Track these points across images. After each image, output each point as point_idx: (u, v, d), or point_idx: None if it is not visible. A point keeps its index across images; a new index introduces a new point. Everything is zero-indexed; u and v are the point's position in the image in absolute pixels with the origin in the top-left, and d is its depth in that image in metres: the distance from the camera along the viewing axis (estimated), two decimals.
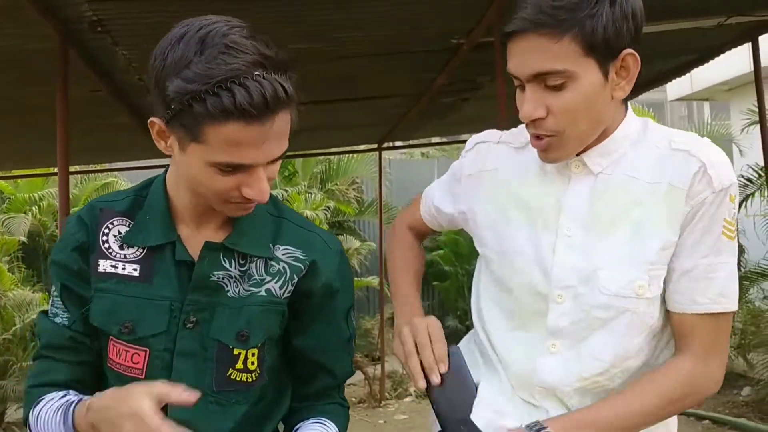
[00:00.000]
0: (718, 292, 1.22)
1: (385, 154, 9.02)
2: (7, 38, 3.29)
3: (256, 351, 1.20)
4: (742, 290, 6.83)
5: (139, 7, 3.03)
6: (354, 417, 6.50)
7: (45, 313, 1.25)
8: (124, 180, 9.90)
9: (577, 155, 1.27)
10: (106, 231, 1.21)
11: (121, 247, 1.20)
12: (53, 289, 1.24)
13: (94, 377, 1.24)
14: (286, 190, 10.20)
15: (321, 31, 3.58)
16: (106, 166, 9.80)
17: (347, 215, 10.04)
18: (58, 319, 1.21)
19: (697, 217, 1.21)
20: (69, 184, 4.17)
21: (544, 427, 1.17)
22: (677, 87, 10.77)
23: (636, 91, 6.26)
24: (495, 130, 1.43)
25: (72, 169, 8.08)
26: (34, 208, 9.00)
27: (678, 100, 11.99)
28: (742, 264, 6.98)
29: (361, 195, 10.83)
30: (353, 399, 7.19)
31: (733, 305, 1.24)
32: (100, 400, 1.10)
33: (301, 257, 1.23)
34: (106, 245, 1.20)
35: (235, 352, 1.18)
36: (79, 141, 4.75)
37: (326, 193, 10.35)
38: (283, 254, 1.22)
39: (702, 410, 5.98)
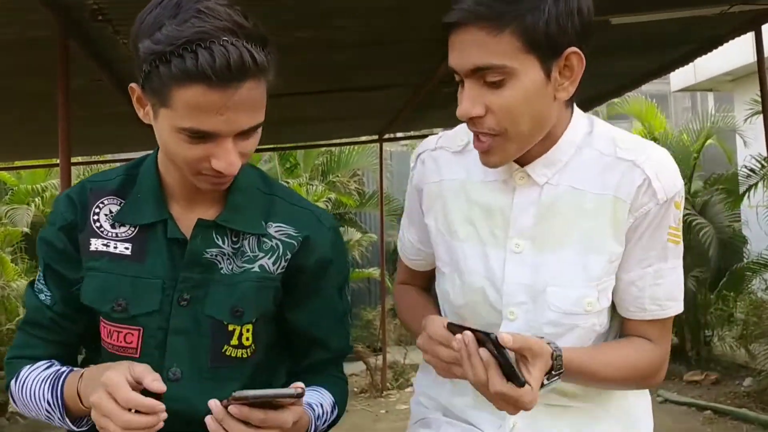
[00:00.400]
0: (665, 297, 1.24)
1: (386, 146, 9.01)
2: (5, 27, 3.28)
3: (250, 327, 1.20)
4: (745, 281, 6.83)
5: None
6: (356, 407, 6.51)
7: (32, 285, 1.26)
8: None
9: (522, 166, 1.24)
10: (97, 210, 1.21)
11: (112, 226, 1.20)
12: (40, 264, 1.25)
13: (72, 356, 1.26)
14: (288, 182, 10.19)
15: (319, 19, 3.56)
16: (108, 157, 9.81)
17: (348, 207, 10.04)
18: (42, 296, 1.22)
19: (641, 229, 1.20)
20: (71, 175, 4.18)
21: (558, 349, 1.13)
22: (680, 78, 10.73)
23: (638, 81, 6.28)
24: (432, 137, 1.38)
25: (74, 160, 8.09)
26: (36, 199, 9.01)
27: (681, 90, 11.94)
28: (744, 255, 6.97)
29: (362, 187, 10.83)
30: (355, 389, 7.21)
31: (680, 307, 1.26)
32: (90, 371, 1.12)
33: (294, 234, 1.23)
34: (98, 224, 1.20)
35: (230, 328, 1.18)
36: (81, 131, 4.75)
37: (327, 185, 10.34)
38: (275, 231, 1.22)
39: (703, 401, 5.99)
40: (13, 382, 1.21)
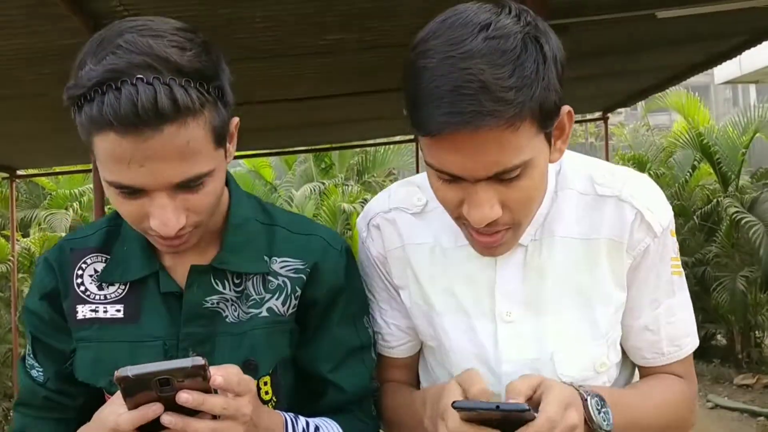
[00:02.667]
0: (682, 335, 1.14)
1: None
2: (36, 35, 3.27)
3: (268, 379, 1.06)
4: None
5: (170, 3, 2.97)
6: None
7: (24, 360, 1.13)
8: None
9: None
10: (80, 272, 1.08)
11: (99, 287, 1.07)
12: (27, 338, 1.13)
13: (75, 428, 1.08)
14: (323, 183, 10.16)
15: (355, 20, 3.49)
16: None
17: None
18: (34, 372, 1.10)
19: (644, 268, 1.08)
20: None
21: (600, 396, 0.99)
22: (725, 69, 10.43)
23: (683, 75, 6.08)
24: (378, 199, 1.20)
25: None
26: (75, 204, 9.11)
27: (726, 83, 11.62)
28: None
29: None
30: None
31: (696, 341, 1.16)
32: None
33: (301, 267, 1.09)
34: (82, 288, 1.07)
35: None
36: None
37: (363, 185, 10.28)
38: (281, 268, 1.08)
39: (756, 406, 5.79)
40: None
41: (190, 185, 0.92)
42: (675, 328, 1.12)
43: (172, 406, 0.85)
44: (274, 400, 1.08)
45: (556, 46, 0.93)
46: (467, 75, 0.86)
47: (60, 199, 9.19)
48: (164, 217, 0.92)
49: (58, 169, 8.91)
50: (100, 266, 1.08)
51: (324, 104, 5.63)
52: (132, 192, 0.91)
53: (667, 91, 8.49)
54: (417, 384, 1.24)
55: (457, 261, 1.11)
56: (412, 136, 7.64)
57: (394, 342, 1.19)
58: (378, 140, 9.44)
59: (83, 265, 1.08)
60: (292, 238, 1.11)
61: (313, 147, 9.13)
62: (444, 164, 0.93)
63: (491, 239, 1.00)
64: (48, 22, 3.14)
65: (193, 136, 0.89)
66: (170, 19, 0.94)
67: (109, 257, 1.08)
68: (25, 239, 8.28)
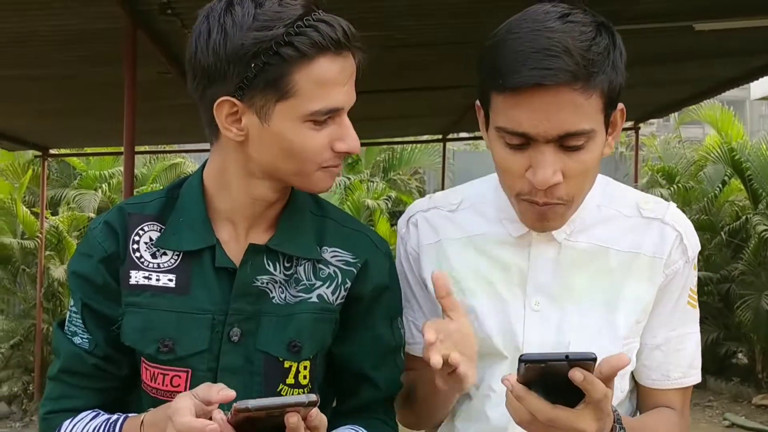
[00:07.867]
0: (687, 364, 1.20)
1: (449, 144, 8.89)
2: (76, 17, 3.32)
3: (308, 364, 1.09)
4: None
5: None
6: None
7: (62, 325, 1.12)
8: (191, 161, 10.06)
9: None
10: (137, 238, 1.10)
11: (153, 256, 1.09)
12: (71, 303, 1.12)
13: (119, 402, 1.12)
14: (349, 178, 10.19)
15: (386, 18, 3.50)
16: (175, 147, 9.98)
17: (408, 206, 9.96)
18: (77, 339, 1.10)
19: (670, 288, 1.17)
20: (134, 163, 4.21)
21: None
22: (761, 85, 10.27)
23: (718, 89, 6.01)
24: (420, 201, 1.29)
25: (140, 149, 8.22)
26: (104, 185, 9.22)
27: (762, 99, 11.45)
28: None
29: (423, 185, 10.74)
30: None
31: (699, 375, 1.22)
32: (153, 414, 1.00)
33: (352, 260, 1.13)
34: (138, 254, 1.09)
35: (286, 365, 1.07)
36: (148, 121, 4.80)
37: (388, 183, 10.29)
38: (331, 257, 1.13)
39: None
40: None
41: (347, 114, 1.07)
42: (682, 355, 1.18)
43: (266, 426, 0.89)
44: (310, 386, 1.11)
45: (622, 43, 1.05)
46: (553, 41, 0.99)
47: (90, 179, 9.30)
48: (353, 134, 1.06)
49: (89, 150, 9.03)
50: (155, 235, 1.10)
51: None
52: (327, 118, 1.03)
53: (702, 104, 8.38)
54: None
55: (493, 249, 1.18)
56: (439, 136, 7.64)
57: (410, 340, 1.22)
58: (405, 138, 9.44)
59: (140, 232, 1.10)
60: (342, 231, 1.16)
61: None
62: (518, 123, 1.02)
63: (541, 209, 1.07)
64: (87, 6, 3.19)
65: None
66: None
67: (164, 227, 1.10)
68: (53, 218, 8.40)
